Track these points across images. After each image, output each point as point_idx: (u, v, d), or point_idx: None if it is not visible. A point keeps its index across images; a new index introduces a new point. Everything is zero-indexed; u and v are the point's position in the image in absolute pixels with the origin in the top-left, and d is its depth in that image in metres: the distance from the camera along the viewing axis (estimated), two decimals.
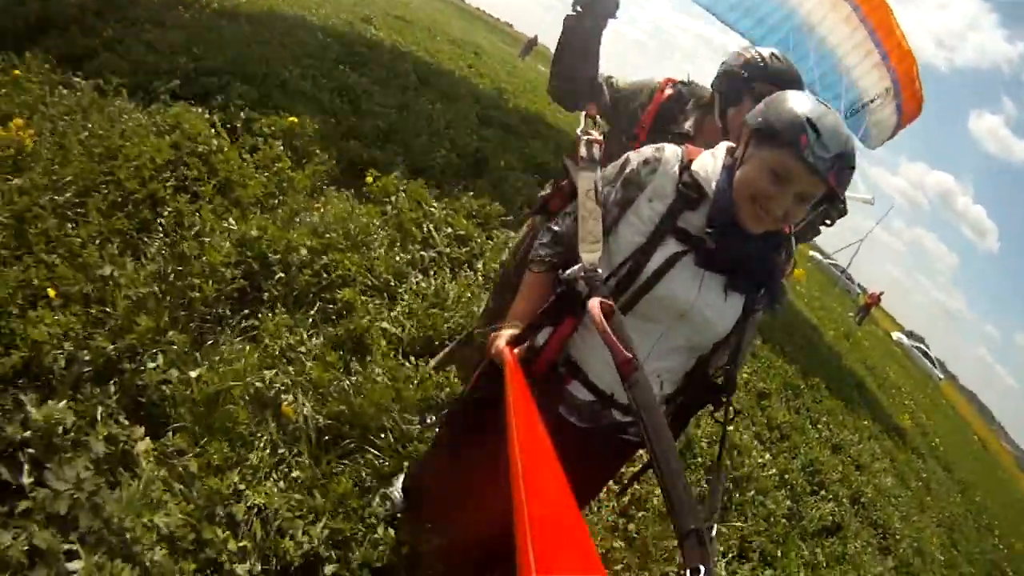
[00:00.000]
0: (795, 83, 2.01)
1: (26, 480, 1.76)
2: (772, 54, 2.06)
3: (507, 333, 1.49)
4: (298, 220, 3.21)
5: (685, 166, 1.41)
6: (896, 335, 27.69)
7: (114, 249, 2.59)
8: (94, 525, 1.73)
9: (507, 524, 0.87)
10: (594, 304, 1.25)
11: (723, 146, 1.48)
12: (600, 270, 1.36)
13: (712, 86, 2.14)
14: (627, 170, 1.48)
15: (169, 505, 1.88)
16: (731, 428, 4.42)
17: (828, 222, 1.97)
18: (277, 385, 2.33)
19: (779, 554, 3.65)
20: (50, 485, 1.75)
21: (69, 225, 2.61)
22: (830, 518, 4.58)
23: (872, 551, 4.71)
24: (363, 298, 2.97)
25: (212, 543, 1.84)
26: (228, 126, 3.75)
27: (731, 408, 1.46)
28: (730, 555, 3.35)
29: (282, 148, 3.70)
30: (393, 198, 3.85)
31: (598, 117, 1.82)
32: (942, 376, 25.63)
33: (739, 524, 3.68)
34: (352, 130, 4.65)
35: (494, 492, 1.17)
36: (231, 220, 2.91)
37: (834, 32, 4.71)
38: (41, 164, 2.83)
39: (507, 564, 0.84)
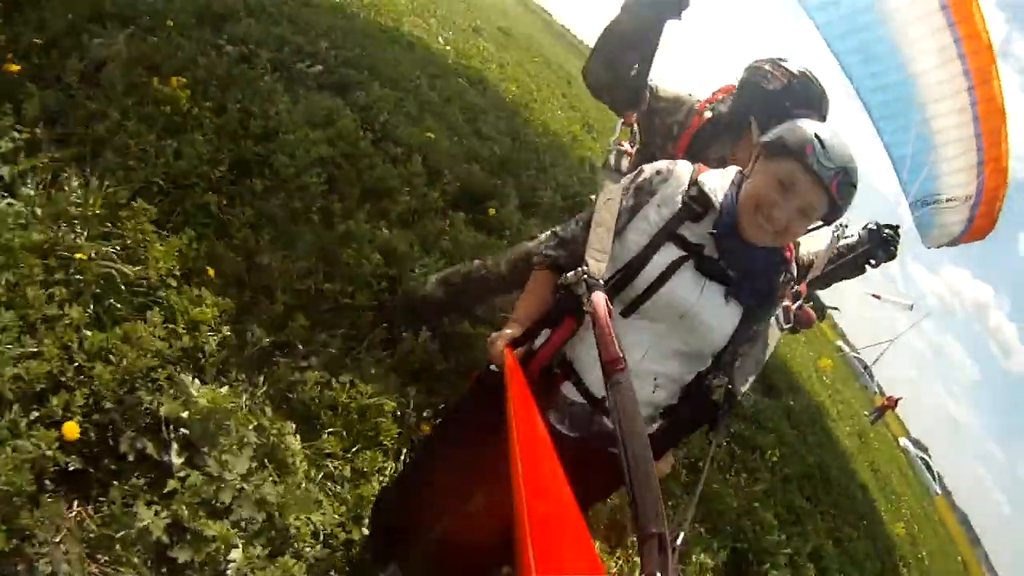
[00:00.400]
0: (825, 103, 2.04)
1: (176, 460, 1.73)
2: (804, 75, 2.02)
3: (507, 334, 1.47)
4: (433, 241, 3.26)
5: (694, 181, 1.44)
6: (903, 441, 27.41)
7: (267, 236, 2.58)
8: (256, 516, 1.75)
9: (503, 534, 0.86)
10: (599, 298, 1.26)
11: (733, 168, 1.51)
12: (601, 280, 1.35)
13: (741, 105, 2.06)
14: (640, 179, 1.50)
15: (324, 505, 1.95)
16: (757, 504, 4.82)
17: (872, 262, 2.02)
18: (414, 403, 2.41)
19: None
20: (208, 470, 1.72)
21: (223, 201, 2.60)
22: None
23: None
24: (481, 329, 2.98)
25: (359, 544, 1.92)
26: (366, 128, 3.79)
27: (726, 425, 1.46)
28: None
29: (421, 164, 3.75)
30: (508, 232, 3.92)
31: (635, 126, 1.75)
32: (939, 491, 25.44)
33: None
34: (472, 152, 4.70)
35: (489, 502, 1.17)
36: (384, 230, 2.96)
37: (943, 118, 4.36)
38: (198, 131, 2.80)
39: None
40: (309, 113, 3.44)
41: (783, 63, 2.04)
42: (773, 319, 1.55)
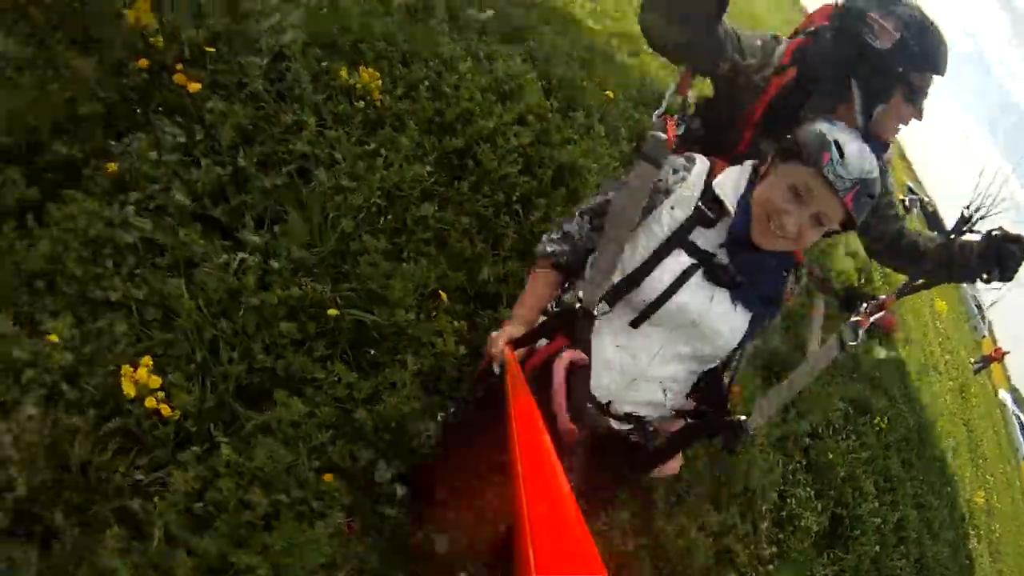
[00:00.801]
0: (944, 55, 1.57)
1: None
2: (920, 22, 1.51)
3: (507, 332, 1.43)
4: None
5: (708, 186, 1.36)
6: (1002, 393, 26.43)
7: (478, 237, 2.52)
8: None
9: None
10: (560, 366, 1.21)
11: (749, 163, 1.43)
12: (596, 312, 1.32)
13: (838, 60, 1.54)
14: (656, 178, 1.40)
15: None
16: (860, 472, 5.16)
17: (985, 277, 1.65)
18: None
19: None
20: None
21: (434, 209, 2.47)
22: (899, 572, 5.34)
23: None
24: None
25: None
26: (549, 93, 3.51)
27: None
28: None
29: (602, 128, 3.50)
30: None
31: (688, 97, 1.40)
32: None
33: (840, 554, 4.53)
34: (642, 96, 4.33)
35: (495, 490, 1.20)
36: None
37: None
38: (401, 130, 2.61)
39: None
40: (495, 81, 3.19)
41: (894, 5, 1.51)
42: (835, 337, 1.51)
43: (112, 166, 1.99)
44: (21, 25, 2.15)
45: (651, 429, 1.49)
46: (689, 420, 1.49)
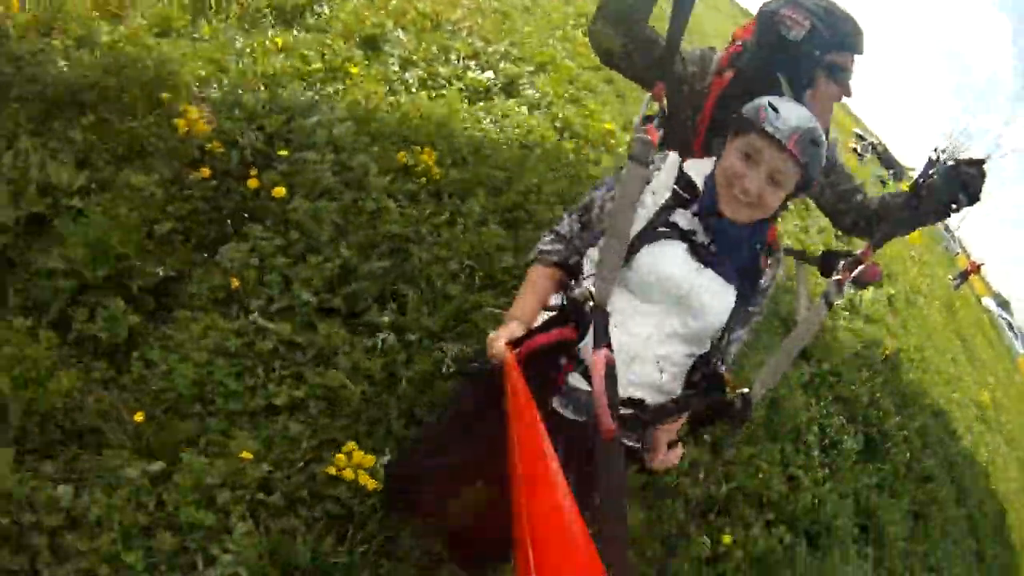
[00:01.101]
0: (860, 39, 1.69)
1: None
2: (829, 12, 1.63)
3: (507, 333, 1.42)
4: None
5: (681, 169, 1.46)
6: (985, 300, 27.45)
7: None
8: None
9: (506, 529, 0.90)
10: (599, 359, 1.24)
11: (712, 158, 1.50)
12: (608, 309, 1.36)
13: (762, 60, 1.67)
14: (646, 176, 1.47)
15: None
16: (878, 395, 5.87)
17: (955, 206, 1.70)
18: None
19: (899, 489, 5.20)
20: None
21: (510, 258, 2.75)
22: (931, 472, 6.03)
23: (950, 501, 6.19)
24: None
25: None
26: (561, 134, 4.17)
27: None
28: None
29: (607, 156, 4.39)
30: None
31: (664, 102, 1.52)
32: (1022, 351, 26.04)
33: (880, 465, 5.06)
34: (630, 122, 5.23)
35: (492, 484, 1.21)
36: None
37: None
38: (455, 193, 2.87)
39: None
40: (518, 136, 3.63)
41: (802, 6, 1.63)
42: (821, 299, 1.51)
43: (236, 281, 2.03)
44: (65, 153, 2.08)
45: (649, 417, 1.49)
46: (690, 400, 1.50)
